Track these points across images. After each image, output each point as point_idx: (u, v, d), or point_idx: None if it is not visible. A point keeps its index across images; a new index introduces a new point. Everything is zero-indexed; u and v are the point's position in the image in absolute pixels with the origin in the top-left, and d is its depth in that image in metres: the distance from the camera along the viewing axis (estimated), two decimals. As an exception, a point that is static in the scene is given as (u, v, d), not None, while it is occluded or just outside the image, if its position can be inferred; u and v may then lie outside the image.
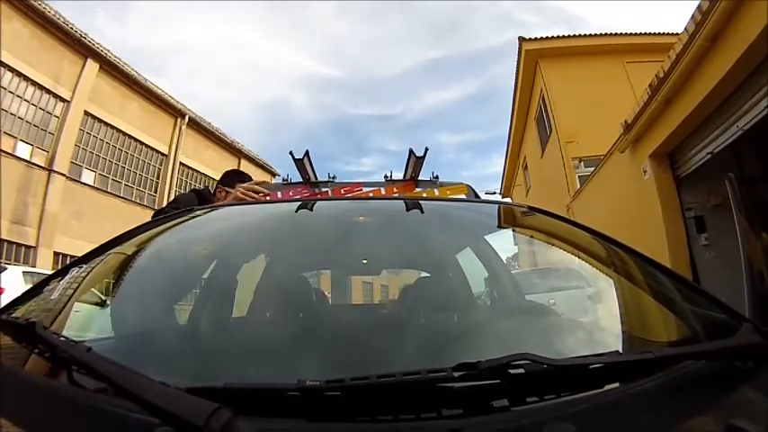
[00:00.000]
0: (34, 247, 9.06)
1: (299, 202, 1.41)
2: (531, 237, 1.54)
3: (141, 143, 12.12)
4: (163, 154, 12.79)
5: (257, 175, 15.74)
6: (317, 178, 1.82)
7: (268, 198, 1.65)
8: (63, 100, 9.96)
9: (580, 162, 8.85)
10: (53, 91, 9.72)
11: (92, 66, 10.55)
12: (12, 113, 8.92)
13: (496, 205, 1.60)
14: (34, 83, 9.32)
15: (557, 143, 9.33)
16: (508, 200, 15.07)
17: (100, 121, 10.94)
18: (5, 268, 6.01)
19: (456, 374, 0.44)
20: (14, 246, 8.77)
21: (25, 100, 9.24)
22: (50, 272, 5.26)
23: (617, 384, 0.51)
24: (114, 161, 11.38)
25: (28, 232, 8.99)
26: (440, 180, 1.85)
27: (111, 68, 11.09)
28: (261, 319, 1.09)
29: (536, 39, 9.90)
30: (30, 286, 0.88)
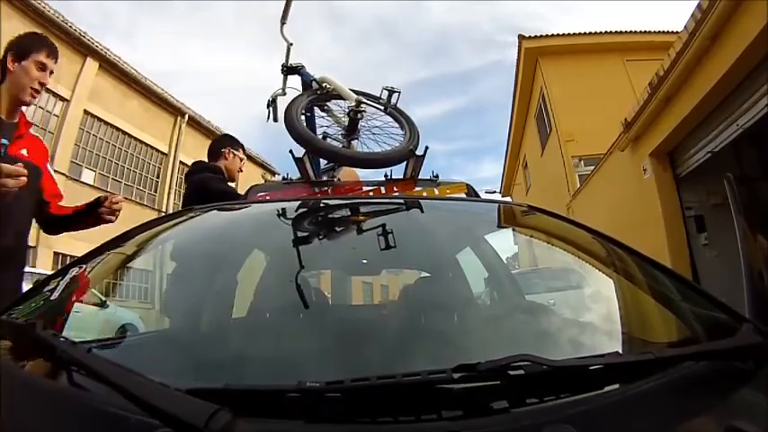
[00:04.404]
0: (34, 246, 9.04)
1: (299, 202, 1.40)
2: (531, 236, 1.54)
3: (141, 142, 12.10)
4: (163, 153, 12.78)
5: (258, 174, 15.71)
6: (317, 177, 1.82)
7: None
8: (62, 99, 9.94)
9: (580, 161, 8.85)
10: (52, 90, 9.69)
11: (91, 64, 10.53)
12: (11, 112, 8.91)
13: (496, 204, 1.59)
14: (33, 82, 9.32)
15: (557, 142, 9.33)
16: (508, 199, 15.07)
17: (99, 119, 10.93)
18: (5, 267, 5.98)
19: (456, 376, 0.44)
20: (14, 245, 8.77)
21: (24, 99, 9.23)
22: (50, 272, 5.26)
23: (617, 385, 0.50)
24: (114, 160, 11.37)
25: (28, 231, 8.99)
26: (439, 179, 1.85)
27: (111, 67, 11.07)
28: (261, 320, 1.08)
29: (536, 37, 9.88)
30: (29, 286, 0.88)
